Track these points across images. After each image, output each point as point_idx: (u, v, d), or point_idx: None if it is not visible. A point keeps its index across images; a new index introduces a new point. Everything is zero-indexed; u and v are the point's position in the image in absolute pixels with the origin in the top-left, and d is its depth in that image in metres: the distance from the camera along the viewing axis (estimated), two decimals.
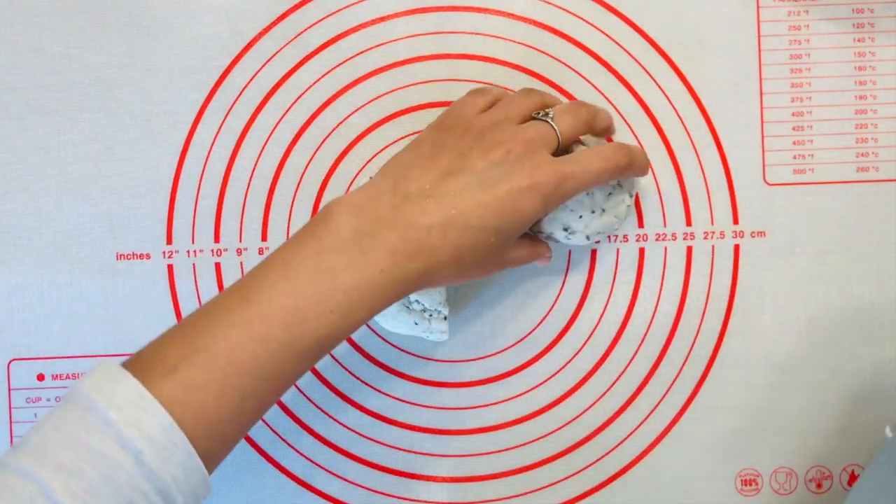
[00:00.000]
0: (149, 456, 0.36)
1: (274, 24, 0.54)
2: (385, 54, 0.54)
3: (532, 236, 0.50)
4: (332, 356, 0.54)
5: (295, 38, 0.54)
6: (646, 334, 0.54)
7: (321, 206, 0.53)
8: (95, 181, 0.54)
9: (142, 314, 0.54)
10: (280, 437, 0.54)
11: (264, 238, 0.54)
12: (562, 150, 0.47)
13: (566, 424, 0.54)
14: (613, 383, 0.54)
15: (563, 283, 0.54)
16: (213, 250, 0.54)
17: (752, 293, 0.54)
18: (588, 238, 0.50)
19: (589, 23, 0.54)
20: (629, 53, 0.54)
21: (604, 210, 0.50)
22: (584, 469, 0.54)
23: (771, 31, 0.54)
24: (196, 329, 0.40)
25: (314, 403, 0.54)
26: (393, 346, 0.54)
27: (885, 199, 0.53)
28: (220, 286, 0.54)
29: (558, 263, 0.54)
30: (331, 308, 0.41)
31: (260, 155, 0.54)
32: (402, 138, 0.54)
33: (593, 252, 0.54)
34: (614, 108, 0.54)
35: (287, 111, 0.54)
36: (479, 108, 0.48)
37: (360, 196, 0.44)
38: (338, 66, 0.54)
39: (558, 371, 0.54)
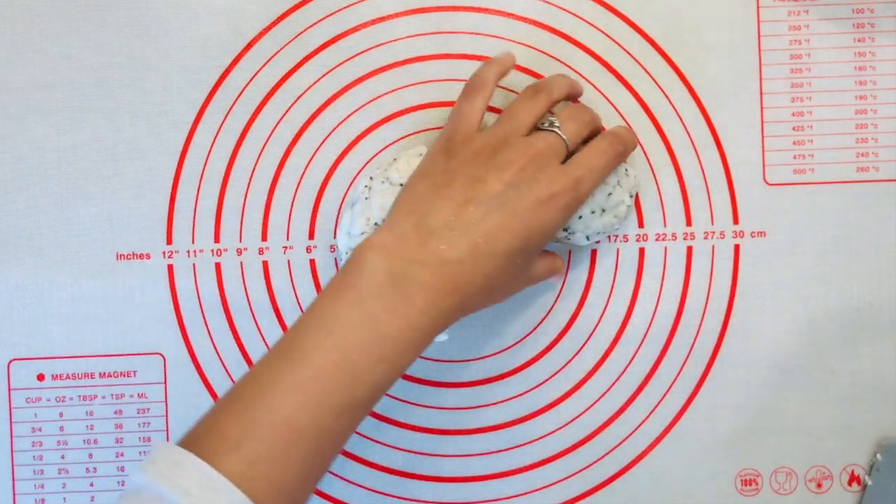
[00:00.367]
0: None
1: (274, 24, 0.54)
2: (385, 54, 0.54)
3: (546, 252, 0.50)
4: None
5: (295, 38, 0.54)
6: (646, 334, 0.54)
7: (321, 201, 0.54)
8: (95, 181, 0.54)
9: (142, 314, 0.54)
10: None
11: (264, 238, 0.54)
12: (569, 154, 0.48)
13: (566, 424, 0.54)
14: (613, 383, 0.54)
15: (563, 283, 0.54)
16: (213, 250, 0.54)
17: (752, 293, 0.54)
18: (588, 238, 0.50)
19: (589, 23, 0.54)
20: (629, 53, 0.54)
21: (604, 210, 0.50)
22: (584, 469, 0.54)
23: (771, 31, 0.54)
24: (251, 400, 0.40)
25: None
26: None
27: (885, 199, 0.53)
28: (221, 286, 0.54)
29: None
30: (379, 356, 0.41)
31: (260, 155, 0.54)
32: (401, 138, 0.54)
33: (593, 252, 0.54)
34: (614, 108, 0.54)
35: (287, 111, 0.54)
36: (478, 114, 0.47)
37: (386, 237, 0.43)
38: (338, 66, 0.54)
39: (558, 371, 0.54)
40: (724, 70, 0.54)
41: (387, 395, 0.53)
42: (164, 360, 0.54)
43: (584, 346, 0.54)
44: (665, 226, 0.54)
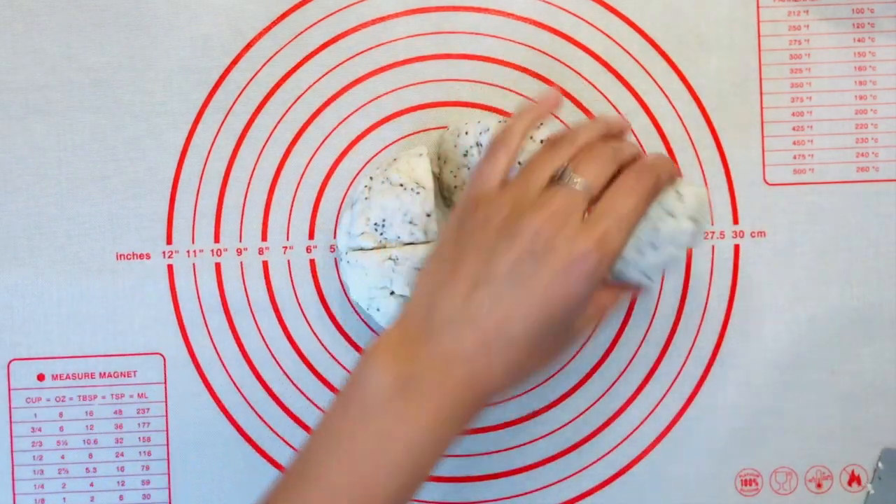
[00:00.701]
0: None
1: (274, 24, 0.54)
2: (385, 54, 0.54)
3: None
4: (332, 356, 0.54)
5: (295, 38, 0.54)
6: (646, 334, 0.54)
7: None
8: (95, 181, 0.54)
9: (142, 314, 0.54)
10: (280, 437, 0.54)
11: (264, 238, 0.54)
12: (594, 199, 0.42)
13: (566, 424, 0.54)
14: (613, 383, 0.54)
15: None
16: (213, 250, 0.54)
17: (752, 293, 0.54)
18: (650, 278, 0.46)
19: (589, 23, 0.54)
20: (629, 53, 0.54)
21: (655, 245, 0.44)
22: (584, 469, 0.54)
23: (771, 31, 0.54)
24: None
25: (314, 403, 0.54)
26: None
27: (885, 199, 0.53)
28: (221, 286, 0.54)
29: None
30: (393, 469, 0.39)
31: (260, 155, 0.54)
32: (401, 138, 0.54)
33: None
34: (614, 108, 0.54)
35: (287, 111, 0.54)
36: (499, 175, 0.43)
37: (393, 335, 0.41)
38: (338, 66, 0.54)
39: (558, 371, 0.54)
40: (724, 70, 0.54)
41: None
42: (164, 360, 0.54)
43: (583, 346, 0.54)
44: None
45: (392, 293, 0.49)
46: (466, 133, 0.51)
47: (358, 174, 0.54)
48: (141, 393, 0.54)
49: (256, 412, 0.54)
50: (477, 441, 0.54)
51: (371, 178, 0.50)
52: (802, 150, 0.54)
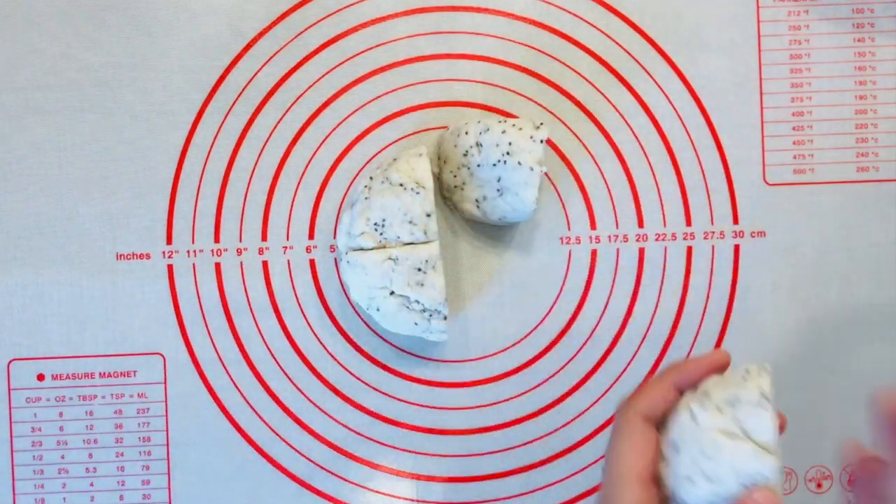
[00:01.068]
0: None
1: (274, 24, 0.54)
2: (385, 54, 0.54)
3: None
4: (332, 356, 0.54)
5: (295, 38, 0.54)
6: (646, 334, 0.54)
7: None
8: (95, 181, 0.54)
9: (142, 314, 0.54)
10: (280, 437, 0.54)
11: (264, 238, 0.54)
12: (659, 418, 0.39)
13: (566, 424, 0.54)
14: (613, 383, 0.54)
15: (563, 283, 0.54)
16: (213, 250, 0.54)
17: (752, 293, 0.54)
18: None
19: (589, 23, 0.54)
20: (629, 53, 0.54)
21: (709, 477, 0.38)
22: (583, 469, 0.54)
23: (771, 31, 0.54)
24: None
25: (314, 403, 0.54)
26: (393, 346, 0.54)
27: (885, 199, 0.54)
28: (221, 286, 0.54)
29: (558, 263, 0.54)
30: None
31: (260, 155, 0.54)
32: (402, 138, 0.54)
33: (593, 252, 0.54)
34: (614, 108, 0.54)
35: (287, 111, 0.54)
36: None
37: None
38: (338, 66, 0.54)
39: (558, 371, 0.54)
40: (724, 70, 0.54)
41: (387, 395, 0.54)
42: (164, 360, 0.54)
43: (583, 346, 0.54)
44: (665, 226, 0.54)
45: (392, 293, 0.49)
46: (466, 133, 0.51)
47: (358, 174, 0.54)
48: (141, 393, 0.54)
49: (256, 412, 0.54)
50: (477, 441, 0.54)
51: (371, 178, 0.50)
52: (802, 150, 0.54)
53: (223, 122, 0.54)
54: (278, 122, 0.54)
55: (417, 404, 0.54)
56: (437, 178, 0.53)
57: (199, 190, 0.54)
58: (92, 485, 0.54)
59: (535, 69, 0.54)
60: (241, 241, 0.54)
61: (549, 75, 0.54)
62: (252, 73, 0.54)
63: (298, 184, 0.54)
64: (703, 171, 0.54)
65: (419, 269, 0.49)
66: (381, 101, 0.54)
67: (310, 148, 0.54)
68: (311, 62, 0.54)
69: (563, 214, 0.54)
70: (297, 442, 0.54)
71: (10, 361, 0.54)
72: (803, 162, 0.54)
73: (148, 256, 0.54)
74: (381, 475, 0.54)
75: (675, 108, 0.54)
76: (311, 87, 0.54)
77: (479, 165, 0.50)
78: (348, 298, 0.54)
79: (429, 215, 0.49)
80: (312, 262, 0.54)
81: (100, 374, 0.54)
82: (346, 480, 0.54)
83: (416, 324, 0.50)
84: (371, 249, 0.49)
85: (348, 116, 0.54)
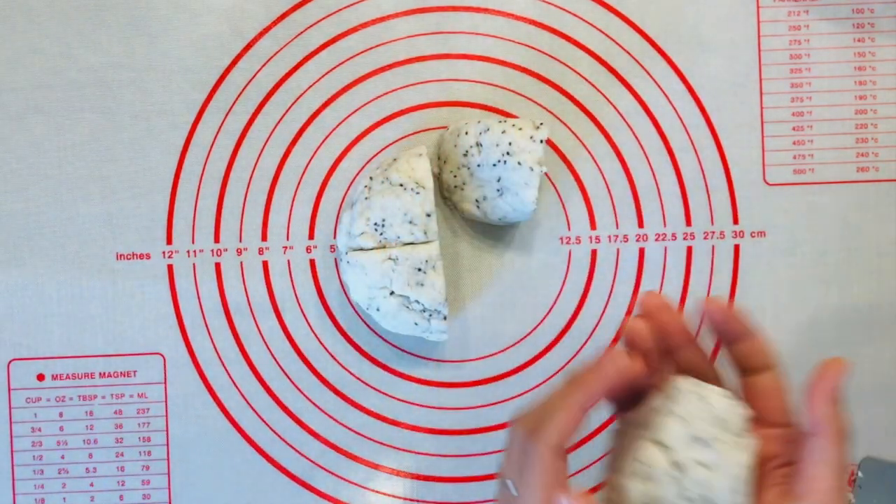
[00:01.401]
0: None
1: (274, 24, 0.54)
2: (385, 54, 0.54)
3: None
4: (332, 356, 0.54)
5: (295, 38, 0.54)
6: None
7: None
8: (95, 181, 0.54)
9: (142, 314, 0.54)
10: (280, 437, 0.54)
11: (264, 238, 0.54)
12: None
13: None
14: None
15: (563, 283, 0.54)
16: (213, 250, 0.54)
17: (752, 293, 0.54)
18: None
19: (589, 23, 0.54)
20: (629, 53, 0.54)
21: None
22: (583, 468, 0.53)
23: (771, 31, 0.54)
24: None
25: (314, 403, 0.54)
26: (393, 346, 0.54)
27: (885, 199, 0.54)
28: (221, 286, 0.54)
29: (558, 263, 0.54)
30: None
31: (260, 155, 0.54)
32: (402, 138, 0.54)
33: (593, 252, 0.54)
34: (614, 108, 0.54)
35: (287, 111, 0.54)
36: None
37: None
38: (338, 66, 0.54)
39: (558, 371, 0.54)
40: (724, 70, 0.54)
41: (387, 395, 0.54)
42: (164, 360, 0.54)
43: (583, 346, 0.54)
44: (665, 226, 0.54)
45: (392, 293, 0.49)
46: (466, 133, 0.51)
47: (358, 174, 0.54)
48: (141, 393, 0.54)
49: (256, 412, 0.54)
50: (477, 441, 0.54)
51: (371, 178, 0.50)
52: (802, 150, 0.54)
53: (223, 122, 0.54)
54: (278, 122, 0.54)
55: (417, 404, 0.54)
56: (437, 178, 0.53)
57: (199, 190, 0.54)
58: (92, 485, 0.54)
59: (535, 69, 0.54)
60: (241, 241, 0.54)
61: (549, 75, 0.54)
62: (252, 73, 0.54)
63: (298, 184, 0.54)
64: (703, 171, 0.54)
65: (419, 269, 0.49)
66: (381, 101, 0.54)
67: (310, 148, 0.54)
68: (311, 62, 0.54)
69: (563, 214, 0.54)
70: (297, 442, 0.54)
71: (10, 361, 0.54)
72: (803, 162, 0.54)
73: (148, 256, 0.54)
74: (381, 475, 0.54)
75: (675, 108, 0.54)
76: (311, 87, 0.54)
77: (479, 165, 0.50)
78: (348, 298, 0.54)
79: (429, 215, 0.49)
80: (312, 262, 0.54)
81: (100, 374, 0.54)
82: (345, 480, 0.54)
83: (416, 324, 0.50)
84: (371, 249, 0.49)
85: (348, 116, 0.54)
